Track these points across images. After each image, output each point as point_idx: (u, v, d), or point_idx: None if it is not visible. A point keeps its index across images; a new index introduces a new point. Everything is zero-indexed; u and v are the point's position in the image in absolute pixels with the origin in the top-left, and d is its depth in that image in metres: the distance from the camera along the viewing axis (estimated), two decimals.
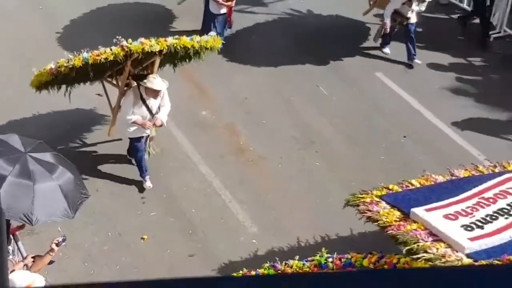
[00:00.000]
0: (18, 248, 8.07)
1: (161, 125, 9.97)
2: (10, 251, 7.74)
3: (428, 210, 7.64)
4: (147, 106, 9.76)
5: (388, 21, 12.82)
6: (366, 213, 7.86)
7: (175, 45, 9.54)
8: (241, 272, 8.21)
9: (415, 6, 12.73)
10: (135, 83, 9.88)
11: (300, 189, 10.36)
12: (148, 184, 10.09)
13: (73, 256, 9.00)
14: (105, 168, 10.41)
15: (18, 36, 13.11)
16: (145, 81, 9.59)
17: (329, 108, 11.93)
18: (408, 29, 12.85)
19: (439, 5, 14.95)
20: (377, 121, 11.70)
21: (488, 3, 13.79)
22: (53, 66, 9.57)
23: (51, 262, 7.89)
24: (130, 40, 9.38)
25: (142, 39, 9.41)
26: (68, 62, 9.40)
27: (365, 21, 14.10)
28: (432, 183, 8.38)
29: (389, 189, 8.13)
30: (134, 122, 9.77)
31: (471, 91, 12.36)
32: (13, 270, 7.30)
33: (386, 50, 13.22)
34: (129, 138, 10.08)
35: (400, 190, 8.15)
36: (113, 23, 13.34)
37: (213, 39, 10.16)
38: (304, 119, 11.64)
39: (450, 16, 14.54)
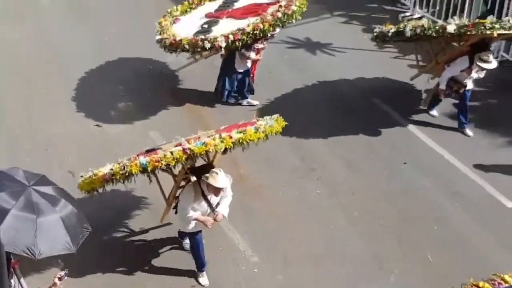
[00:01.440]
0: (20, 282, 8.00)
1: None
2: (12, 285, 7.68)
3: None
4: (208, 201, 8.95)
5: (443, 87, 11.97)
6: None
7: (240, 140, 8.62)
8: None
9: (474, 74, 11.81)
10: (194, 177, 9.09)
11: (301, 217, 10.32)
12: (204, 280, 9.28)
13: None
14: (106, 199, 10.34)
15: (19, 66, 13.21)
16: (206, 175, 8.70)
17: (329, 135, 11.93)
18: (464, 95, 12.03)
19: None
20: (377, 148, 11.70)
21: None
22: (105, 172, 8.87)
23: None
24: (192, 141, 8.68)
25: (206, 139, 8.54)
26: (123, 169, 8.61)
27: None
28: None
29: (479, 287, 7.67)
30: (196, 219, 9.13)
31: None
32: None
33: (434, 112, 12.51)
34: (188, 233, 9.29)
35: None
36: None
37: (276, 122, 9.17)
38: (304, 147, 11.63)
39: None
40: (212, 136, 8.74)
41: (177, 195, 9.34)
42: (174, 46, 11.93)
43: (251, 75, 12.63)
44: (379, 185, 10.96)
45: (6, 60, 13.45)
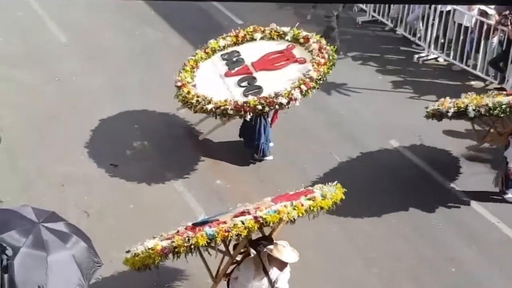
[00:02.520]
0: None
1: None
2: None
3: None
4: (268, 277, 8.35)
5: None
6: None
7: (311, 207, 8.19)
8: None
9: None
10: (253, 251, 8.50)
11: (318, 259, 10.18)
12: None
13: None
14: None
15: (36, 109, 13.23)
16: (270, 247, 8.26)
17: (345, 177, 11.80)
18: None
19: (452, 71, 15.09)
20: (392, 189, 11.59)
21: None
22: (164, 245, 8.22)
23: None
24: (262, 208, 8.23)
25: (279, 207, 8.09)
26: (188, 241, 7.98)
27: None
28: None
29: None
30: None
31: (487, 158, 12.27)
32: None
33: (510, 195, 11.40)
34: None
35: None
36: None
37: (338, 189, 8.77)
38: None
39: (464, 83, 14.61)
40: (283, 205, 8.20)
41: (229, 272, 8.77)
42: (240, 110, 11.18)
43: (274, 121, 12.16)
44: (397, 227, 10.83)
45: (22, 99, 13.48)
